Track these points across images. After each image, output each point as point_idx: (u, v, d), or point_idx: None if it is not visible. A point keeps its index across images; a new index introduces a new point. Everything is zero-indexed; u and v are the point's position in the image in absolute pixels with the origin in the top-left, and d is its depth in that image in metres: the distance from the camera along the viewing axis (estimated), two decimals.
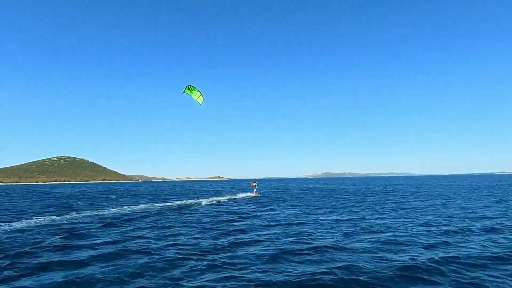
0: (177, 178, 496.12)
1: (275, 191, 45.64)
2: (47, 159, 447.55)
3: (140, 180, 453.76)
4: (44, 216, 20.52)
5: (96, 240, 12.43)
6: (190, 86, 19.18)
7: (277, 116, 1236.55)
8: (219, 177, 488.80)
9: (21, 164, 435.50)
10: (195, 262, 8.94)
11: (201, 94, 19.46)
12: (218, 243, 11.29)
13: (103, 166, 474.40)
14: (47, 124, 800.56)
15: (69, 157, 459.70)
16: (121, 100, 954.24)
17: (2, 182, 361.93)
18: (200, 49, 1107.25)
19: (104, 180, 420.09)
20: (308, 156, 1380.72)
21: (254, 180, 39.92)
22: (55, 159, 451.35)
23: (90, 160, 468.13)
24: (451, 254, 9.47)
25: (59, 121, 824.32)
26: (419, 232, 13.05)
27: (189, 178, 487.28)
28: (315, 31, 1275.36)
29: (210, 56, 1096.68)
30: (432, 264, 8.43)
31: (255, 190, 37.97)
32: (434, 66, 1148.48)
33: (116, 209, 24.20)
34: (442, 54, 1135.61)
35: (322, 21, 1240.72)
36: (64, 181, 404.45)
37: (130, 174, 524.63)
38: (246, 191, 44.56)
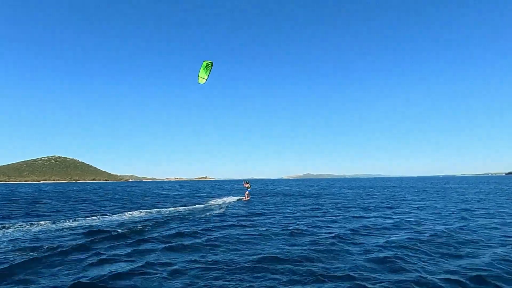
0: (166, 179, 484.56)
1: (252, 202, 27.96)
2: (38, 158, 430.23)
3: (130, 180, 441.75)
4: None
5: None
6: (210, 64, 16.76)
7: (261, 119, 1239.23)
8: (206, 177, 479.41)
9: (12, 163, 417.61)
10: None
11: (207, 79, 16.99)
12: None
13: (94, 166, 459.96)
14: (41, 125, 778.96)
15: (60, 157, 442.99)
16: (113, 102, 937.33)
17: None
18: (190, 50, 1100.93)
19: (93, 179, 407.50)
20: (290, 158, 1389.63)
21: (247, 181, 32.08)
22: (46, 159, 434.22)
23: (81, 160, 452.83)
24: None
25: (52, 122, 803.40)
26: None
27: (177, 178, 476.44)
28: (299, 34, 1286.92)
29: (199, 57, 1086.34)
30: None
31: (247, 192, 30.69)
32: (412, 73, 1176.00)
33: None
34: (422, 62, 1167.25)
35: (301, 25, 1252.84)
36: (53, 180, 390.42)
37: (121, 174, 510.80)
38: (236, 194, 35.72)
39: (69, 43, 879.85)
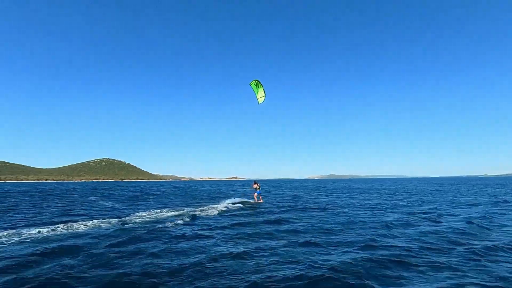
0: (201, 178, 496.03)
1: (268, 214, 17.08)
2: (91, 160, 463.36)
3: (169, 180, 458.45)
4: None
5: None
6: (258, 82, 15.95)
7: (287, 122, 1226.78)
8: (236, 177, 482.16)
9: (71, 164, 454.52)
10: None
11: (264, 95, 16.08)
12: None
13: (138, 167, 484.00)
14: (94, 130, 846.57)
15: (109, 159, 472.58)
16: (153, 109, 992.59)
17: (53, 179, 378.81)
18: (217, 54, 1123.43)
19: (136, 179, 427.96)
20: (314, 159, 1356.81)
21: (255, 181, 25.02)
22: (98, 160, 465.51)
23: (126, 162, 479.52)
24: None
25: (104, 127, 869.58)
26: None
27: (210, 178, 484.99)
28: (318, 34, 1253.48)
29: (227, 62, 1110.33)
30: None
31: (256, 194, 24.19)
32: (438, 70, 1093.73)
33: None
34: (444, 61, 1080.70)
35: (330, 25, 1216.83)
36: (103, 179, 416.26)
37: (162, 174, 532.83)
38: (240, 196, 27.93)
39: (118, 53, 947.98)
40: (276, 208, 19.69)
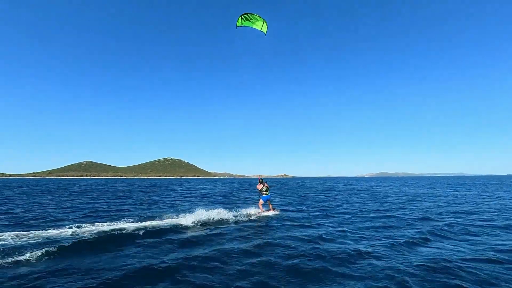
0: (252, 176, 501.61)
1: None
2: (156, 160, 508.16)
3: (223, 177, 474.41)
4: None
5: None
6: (247, 15, 12.04)
7: (337, 119, 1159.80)
8: (284, 175, 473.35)
9: (140, 163, 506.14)
10: None
11: (264, 21, 12.38)
12: None
13: (195, 165, 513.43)
14: (159, 133, 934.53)
15: (171, 159, 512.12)
16: (213, 115, 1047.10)
17: (126, 176, 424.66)
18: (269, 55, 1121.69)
19: (193, 176, 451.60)
20: (365, 156, 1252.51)
21: (261, 180, 15.14)
22: (162, 160, 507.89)
23: (186, 161, 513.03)
24: None
25: (168, 131, 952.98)
26: None
27: (261, 176, 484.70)
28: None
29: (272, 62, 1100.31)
30: None
31: (261, 201, 14.54)
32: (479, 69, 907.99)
33: None
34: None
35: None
36: (165, 176, 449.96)
37: (218, 172, 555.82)
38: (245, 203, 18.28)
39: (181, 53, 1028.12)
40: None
